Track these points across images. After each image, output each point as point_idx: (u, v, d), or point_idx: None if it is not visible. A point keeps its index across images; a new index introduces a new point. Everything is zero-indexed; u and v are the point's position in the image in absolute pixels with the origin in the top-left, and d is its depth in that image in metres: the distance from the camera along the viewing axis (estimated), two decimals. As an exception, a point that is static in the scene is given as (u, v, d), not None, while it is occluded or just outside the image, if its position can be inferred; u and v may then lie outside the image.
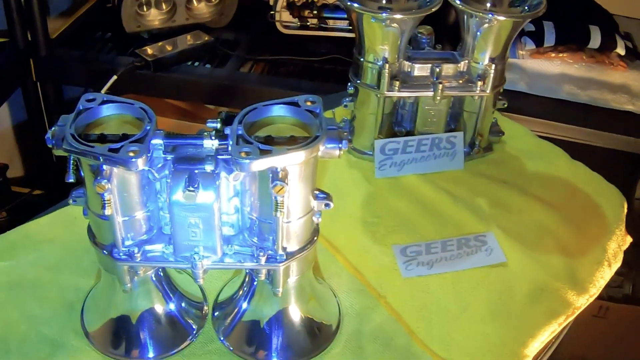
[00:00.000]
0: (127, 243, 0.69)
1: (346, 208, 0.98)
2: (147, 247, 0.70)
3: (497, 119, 1.13)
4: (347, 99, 1.07)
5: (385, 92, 1.00)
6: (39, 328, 0.78)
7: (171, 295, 0.77)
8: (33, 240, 0.90)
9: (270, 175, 0.63)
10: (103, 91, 1.39)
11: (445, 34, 1.17)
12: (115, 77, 1.41)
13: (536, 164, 1.10)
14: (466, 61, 1.02)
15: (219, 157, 0.67)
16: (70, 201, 0.70)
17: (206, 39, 1.56)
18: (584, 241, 0.97)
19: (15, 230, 0.91)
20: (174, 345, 0.77)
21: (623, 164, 1.53)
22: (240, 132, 0.64)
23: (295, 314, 0.77)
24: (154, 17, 1.58)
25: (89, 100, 0.68)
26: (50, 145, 0.65)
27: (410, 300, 0.86)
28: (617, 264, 0.96)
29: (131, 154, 0.61)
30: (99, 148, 0.62)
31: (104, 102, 0.68)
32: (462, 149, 1.06)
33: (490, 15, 0.96)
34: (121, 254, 0.69)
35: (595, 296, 0.92)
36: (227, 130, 0.66)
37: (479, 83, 1.01)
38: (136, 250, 0.69)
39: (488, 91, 1.02)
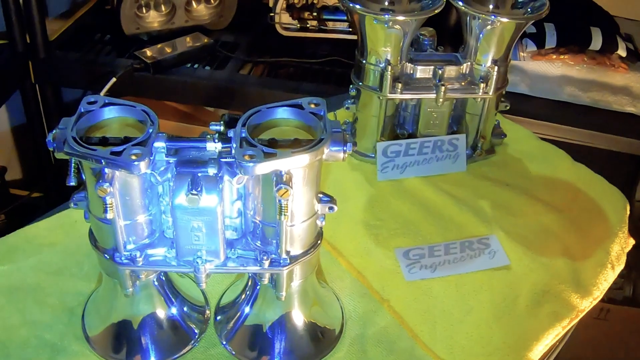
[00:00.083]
0: (129, 247, 0.69)
1: (348, 211, 0.98)
2: (149, 251, 0.70)
3: (499, 121, 1.12)
4: (348, 101, 1.06)
5: (388, 94, 1.00)
6: (39, 333, 0.78)
7: (173, 299, 0.77)
8: (33, 244, 0.89)
9: (274, 178, 0.62)
10: (102, 93, 1.38)
11: (447, 35, 1.17)
12: (114, 79, 1.41)
13: (538, 166, 1.10)
14: (469, 63, 1.02)
15: (222, 160, 0.66)
16: (72, 204, 0.69)
17: (205, 41, 1.56)
18: (587, 243, 0.97)
19: (15, 234, 0.90)
20: (176, 350, 0.76)
21: (624, 166, 1.53)
22: (243, 134, 0.64)
23: (299, 318, 0.77)
24: (153, 19, 1.58)
25: (90, 103, 0.67)
26: (51, 149, 0.65)
27: (414, 303, 0.85)
28: (620, 266, 0.96)
29: (133, 157, 0.61)
30: (101, 151, 0.61)
31: (105, 105, 0.67)
32: (464, 152, 1.06)
33: (493, 17, 0.96)
34: (123, 258, 0.68)
35: (599, 299, 0.91)
36: (230, 133, 0.65)
37: (482, 85, 1.01)
38: (138, 254, 0.68)
39: (491, 93, 1.01)
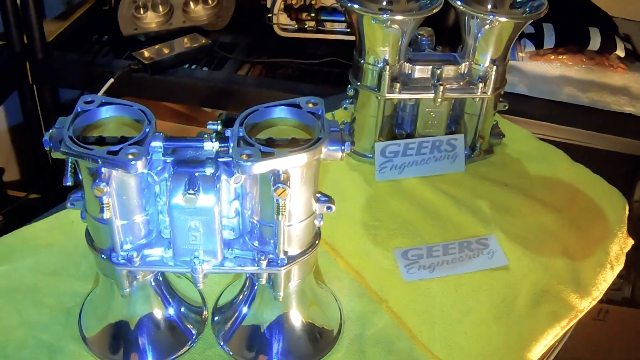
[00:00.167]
0: (126, 247, 0.68)
1: (347, 211, 0.97)
2: (146, 252, 0.69)
3: (497, 121, 1.12)
4: (347, 101, 1.06)
5: (386, 94, 1.00)
6: (36, 333, 0.77)
7: (170, 300, 0.76)
8: (30, 245, 0.89)
9: (272, 178, 0.62)
10: (100, 94, 1.38)
11: (445, 35, 1.17)
12: (111, 80, 1.40)
13: (537, 166, 1.10)
14: (467, 63, 1.01)
15: (220, 159, 0.66)
16: (68, 204, 0.69)
17: (203, 41, 1.55)
18: (586, 244, 0.96)
19: (12, 234, 0.90)
20: (173, 351, 0.76)
21: (623, 166, 1.52)
22: (241, 134, 0.63)
23: (296, 319, 0.76)
24: (151, 20, 1.58)
25: (87, 102, 0.67)
26: (47, 148, 0.64)
27: (412, 304, 0.85)
28: (619, 266, 0.96)
29: (130, 157, 0.60)
30: (97, 150, 0.61)
31: (102, 104, 0.67)
32: (462, 152, 1.06)
33: (491, 17, 0.96)
34: (120, 259, 0.68)
35: (598, 299, 0.91)
36: (228, 133, 0.65)
37: (480, 85, 1.00)
38: (135, 254, 0.68)
39: (489, 93, 1.01)
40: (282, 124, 0.68)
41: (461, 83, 1.02)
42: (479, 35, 0.98)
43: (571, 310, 0.87)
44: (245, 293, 0.77)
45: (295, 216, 0.67)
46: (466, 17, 0.98)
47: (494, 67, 0.99)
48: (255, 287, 0.75)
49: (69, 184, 0.66)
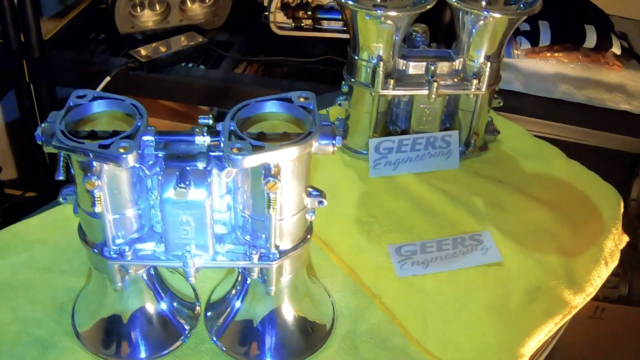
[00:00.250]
0: (118, 241, 0.68)
1: (341, 207, 0.97)
2: (138, 246, 0.69)
3: (492, 118, 1.12)
4: (341, 98, 1.06)
5: (380, 91, 1.00)
6: (29, 329, 0.77)
7: (163, 294, 0.76)
8: (24, 241, 0.89)
9: (263, 171, 0.62)
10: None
11: (440, 32, 1.17)
12: (108, 78, 1.40)
13: (532, 163, 1.10)
14: (461, 59, 1.01)
15: (211, 154, 0.66)
16: (61, 199, 0.69)
17: (200, 40, 1.55)
18: (581, 240, 0.96)
19: (6, 230, 0.90)
20: (166, 346, 0.76)
21: (619, 164, 1.52)
22: (232, 128, 0.63)
23: (289, 314, 0.76)
24: (148, 18, 1.58)
25: (79, 97, 0.67)
26: (40, 142, 0.64)
27: (406, 300, 0.85)
28: (613, 262, 0.96)
29: (122, 150, 0.60)
30: (89, 144, 0.61)
31: (94, 99, 0.67)
32: (457, 148, 1.05)
33: (485, 13, 0.96)
34: (112, 253, 0.68)
35: (592, 295, 0.91)
36: (219, 127, 0.65)
37: (475, 81, 1.00)
38: (127, 248, 0.68)
39: (484, 89, 1.01)
40: (273, 118, 0.68)
41: (455, 79, 1.01)
42: (473, 31, 0.98)
43: (565, 307, 0.87)
44: (238, 288, 0.77)
45: (287, 210, 0.67)
46: (460, 13, 0.98)
47: (489, 63, 0.99)
48: (248, 282, 0.75)
49: (61, 178, 0.66)
